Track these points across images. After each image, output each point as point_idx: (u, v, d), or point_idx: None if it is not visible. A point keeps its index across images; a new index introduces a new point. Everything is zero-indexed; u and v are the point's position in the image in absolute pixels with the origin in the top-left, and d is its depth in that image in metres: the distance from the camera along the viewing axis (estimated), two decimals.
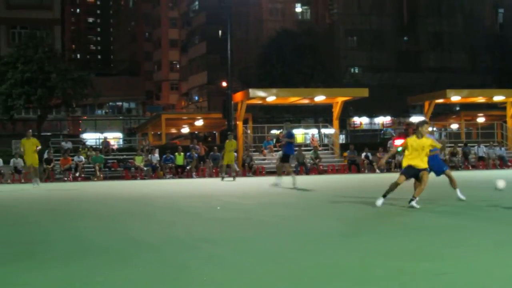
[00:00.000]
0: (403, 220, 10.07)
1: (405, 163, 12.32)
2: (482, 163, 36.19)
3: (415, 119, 51.18)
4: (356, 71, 66.33)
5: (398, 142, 37.51)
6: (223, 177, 27.48)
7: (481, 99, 42.80)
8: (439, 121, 48.23)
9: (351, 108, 53.49)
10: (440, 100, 41.06)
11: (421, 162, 12.18)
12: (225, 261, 6.68)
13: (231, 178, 26.93)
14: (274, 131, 42.09)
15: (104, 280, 5.93)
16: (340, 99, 37.73)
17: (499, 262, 6.28)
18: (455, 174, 15.00)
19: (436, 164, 13.44)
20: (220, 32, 59.52)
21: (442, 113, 52.78)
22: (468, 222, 9.84)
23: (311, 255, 6.88)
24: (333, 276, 5.82)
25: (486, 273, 5.78)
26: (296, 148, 30.75)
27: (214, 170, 32.61)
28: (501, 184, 12.97)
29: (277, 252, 7.13)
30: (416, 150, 12.13)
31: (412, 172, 12.21)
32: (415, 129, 12.37)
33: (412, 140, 12.25)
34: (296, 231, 9.00)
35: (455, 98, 40.79)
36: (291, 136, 20.63)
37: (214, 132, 53.27)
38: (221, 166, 29.30)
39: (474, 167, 35.69)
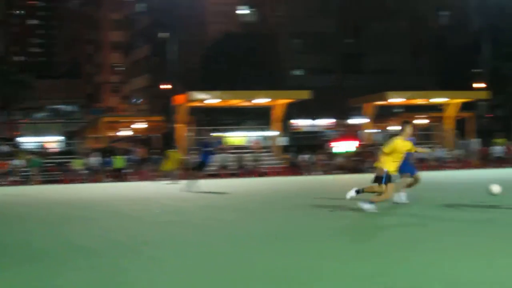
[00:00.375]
0: (340, 223, 10.22)
1: (391, 168, 11.76)
2: (423, 164, 37.15)
3: (355, 121, 52.12)
4: (301, 73, 67.07)
5: (339, 143, 38.40)
6: (168, 181, 27.58)
7: (422, 101, 43.91)
8: (380, 123, 49.22)
9: (294, 110, 54.09)
10: (382, 102, 41.94)
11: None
12: (166, 264, 6.80)
13: (173, 182, 27.05)
14: (216, 134, 42.27)
15: (43, 286, 5.96)
16: (282, 101, 38.21)
17: (443, 263, 6.35)
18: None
19: (408, 167, 13.55)
20: (163, 34, 59.43)
21: (384, 115, 53.89)
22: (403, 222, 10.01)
23: (246, 257, 7.03)
24: (267, 278, 5.88)
25: (420, 274, 5.86)
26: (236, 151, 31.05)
27: (154, 174, 32.58)
28: (495, 189, 12.45)
29: (214, 254, 7.31)
30: (401, 153, 11.87)
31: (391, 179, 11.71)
32: (401, 130, 12.07)
33: (400, 142, 11.91)
34: (232, 233, 9.18)
35: (395, 100, 41.77)
36: (214, 146, 21.37)
37: (155, 135, 53.07)
38: (165, 171, 29.39)
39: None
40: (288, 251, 7.28)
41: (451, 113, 42.13)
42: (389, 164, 11.77)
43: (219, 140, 22.06)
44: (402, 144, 11.91)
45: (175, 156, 27.94)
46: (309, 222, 10.52)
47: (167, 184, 26.36)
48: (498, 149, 39.09)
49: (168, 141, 38.86)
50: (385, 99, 40.56)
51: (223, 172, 34.19)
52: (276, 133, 39.15)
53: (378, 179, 11.68)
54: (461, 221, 9.92)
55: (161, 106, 53.71)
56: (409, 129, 12.20)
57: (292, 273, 6.03)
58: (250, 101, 38.57)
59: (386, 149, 11.93)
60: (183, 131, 36.73)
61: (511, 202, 12.66)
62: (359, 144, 39.84)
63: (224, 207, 14.29)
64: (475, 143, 40.73)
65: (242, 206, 14.47)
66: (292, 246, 7.63)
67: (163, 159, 29.55)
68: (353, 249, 7.30)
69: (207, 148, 20.99)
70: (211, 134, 22.13)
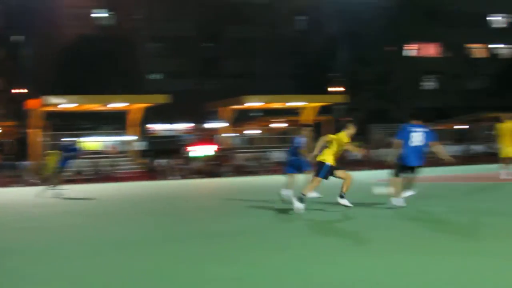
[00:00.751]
0: (206, 226, 10.34)
1: (331, 160, 12.38)
2: (280, 167, 38.37)
3: (213, 125, 52.94)
4: (159, 77, 67.25)
5: (197, 148, 38.94)
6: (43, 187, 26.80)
7: (281, 105, 45.27)
8: (238, 127, 50.29)
9: (151, 114, 54.15)
10: (239, 106, 42.90)
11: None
12: (22, 272, 6.66)
13: (48, 187, 26.43)
14: (72, 139, 41.59)
15: None
16: (140, 105, 38.30)
17: (297, 265, 6.44)
18: (255, 178, 16.42)
19: (299, 164, 14.44)
20: (17, 38, 57.72)
21: (243, 119, 55.03)
22: (271, 224, 10.23)
23: (101, 263, 7.01)
24: (133, 284, 5.92)
25: (279, 276, 5.92)
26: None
27: (8, 180, 31.72)
28: (380, 190, 13.65)
29: (71, 260, 7.26)
30: (341, 148, 12.49)
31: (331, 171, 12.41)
32: (345, 127, 12.63)
33: (344, 136, 12.51)
34: (90, 238, 9.22)
35: (252, 104, 42.88)
36: (74, 151, 21.50)
37: (8, 140, 51.40)
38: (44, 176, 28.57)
39: (272, 171, 37.51)
40: (141, 256, 7.36)
41: (308, 117, 43.68)
42: (329, 157, 12.44)
43: (76, 145, 22.10)
44: (345, 140, 12.50)
45: (51, 161, 27.19)
46: (162, 227, 10.62)
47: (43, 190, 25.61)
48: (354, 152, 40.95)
49: (23, 146, 37.88)
50: (242, 103, 41.50)
51: (78, 178, 33.83)
52: (133, 137, 39.14)
53: (317, 171, 12.40)
54: (315, 221, 10.34)
55: (14, 111, 52.13)
56: (352, 129, 12.73)
57: (146, 278, 6.12)
58: (107, 105, 38.37)
59: (330, 138, 12.63)
60: (37, 136, 35.92)
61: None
62: (217, 148, 40.56)
63: (79, 213, 14.33)
64: None
65: (96, 212, 14.50)
66: (146, 251, 7.73)
67: (42, 164, 28.69)
68: (207, 252, 7.43)
69: (67, 153, 21.09)
70: (67, 139, 22.20)
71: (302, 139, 15.12)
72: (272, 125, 50.07)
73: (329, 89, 58.06)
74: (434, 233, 8.26)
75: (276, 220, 10.74)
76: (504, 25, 75.86)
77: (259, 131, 51.75)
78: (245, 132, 51.37)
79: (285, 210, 12.59)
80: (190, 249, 7.73)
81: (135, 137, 39.34)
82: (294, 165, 15.01)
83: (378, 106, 63.39)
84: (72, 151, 21.60)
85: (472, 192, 16.48)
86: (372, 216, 11.24)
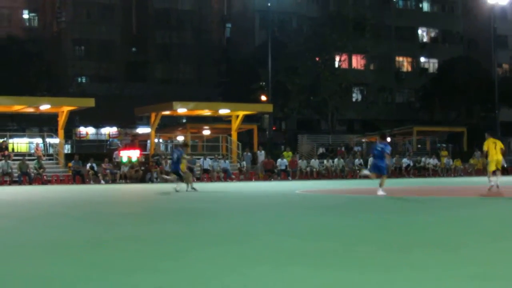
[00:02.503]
0: (130, 231, 10.37)
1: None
2: (207, 175, 40.06)
3: (140, 130, 54.16)
4: (84, 80, 67.92)
5: (124, 153, 40.19)
6: None
7: (207, 112, 46.91)
8: (166, 133, 51.77)
9: (77, 117, 55.00)
10: (167, 112, 44.37)
11: None
12: None
13: None
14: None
15: None
16: (66, 109, 39.23)
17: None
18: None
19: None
20: None
21: (170, 125, 56.47)
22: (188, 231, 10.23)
23: (25, 267, 6.78)
24: None
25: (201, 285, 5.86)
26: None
27: None
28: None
29: None
30: None
31: None
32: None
33: None
34: (13, 242, 9.13)
35: (181, 110, 44.37)
36: None
37: None
38: None
39: (199, 179, 38.94)
40: (59, 261, 7.24)
41: (235, 125, 45.44)
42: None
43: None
44: None
45: None
46: (84, 231, 10.54)
47: None
48: (283, 162, 43.06)
49: None
50: (171, 109, 42.91)
51: (5, 180, 34.86)
52: (60, 140, 40.16)
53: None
54: (212, 234, 9.78)
55: None
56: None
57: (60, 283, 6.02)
58: (34, 107, 39.30)
59: None
60: None
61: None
62: (144, 154, 41.86)
63: (3, 216, 14.44)
64: (260, 155, 44.35)
65: (20, 215, 14.51)
66: (66, 256, 7.63)
67: None
68: (127, 258, 7.35)
69: None
70: None
71: (389, 146, 19.97)
72: (201, 132, 51.66)
73: (258, 98, 59.97)
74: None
75: (198, 227, 10.72)
76: (431, 40, 79.66)
77: (182, 138, 53.16)
78: (174, 138, 52.74)
79: (210, 216, 13.68)
80: (111, 255, 7.63)
81: (62, 140, 40.36)
82: (378, 168, 19.86)
83: (307, 116, 65.85)
84: None
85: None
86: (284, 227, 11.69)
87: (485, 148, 22.28)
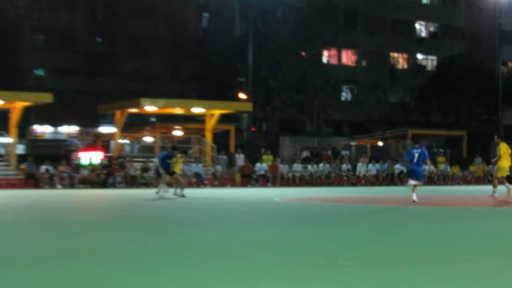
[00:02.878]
0: (89, 242, 10.34)
1: None
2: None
3: (104, 130, 53.74)
4: (42, 73, 67.33)
5: (84, 154, 39.80)
6: None
7: (179, 111, 46.62)
8: (132, 133, 51.37)
9: (33, 114, 54.46)
10: (134, 110, 44.03)
11: None
12: None
13: None
14: None
15: None
16: (20, 104, 38.76)
17: None
18: (149, 191, 17.62)
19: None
20: None
21: (137, 124, 56.08)
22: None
23: None
24: None
25: None
26: None
27: None
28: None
29: None
30: None
31: None
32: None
33: None
34: None
35: (150, 108, 44.05)
36: None
37: None
38: None
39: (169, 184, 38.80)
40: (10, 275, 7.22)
41: (210, 125, 45.20)
42: None
43: None
44: None
45: None
46: (35, 241, 10.58)
47: None
48: (262, 166, 42.87)
49: None
50: (139, 106, 42.59)
51: None
52: (11, 140, 39.65)
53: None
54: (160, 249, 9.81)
55: None
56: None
57: None
58: None
59: None
60: None
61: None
62: (108, 156, 41.52)
63: None
64: (239, 158, 44.07)
65: None
66: (16, 269, 7.64)
67: None
68: (88, 273, 7.46)
69: None
70: None
71: (426, 151, 20.72)
72: (171, 133, 51.37)
73: (236, 95, 59.79)
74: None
75: (158, 240, 10.66)
76: (429, 35, 79.88)
77: (151, 138, 52.89)
78: (141, 139, 52.42)
79: (177, 227, 13.73)
80: (68, 269, 7.53)
81: (14, 140, 39.84)
82: (417, 173, 20.63)
83: (290, 117, 65.74)
84: None
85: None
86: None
87: (501, 151, 22.45)
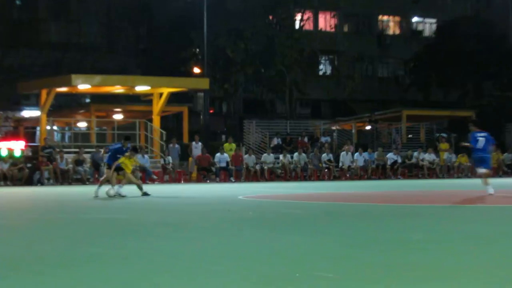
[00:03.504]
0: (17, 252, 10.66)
1: None
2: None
3: (27, 113, 53.40)
4: None
5: (3, 144, 39.54)
6: None
7: (119, 89, 46.49)
8: (62, 118, 51.08)
9: None
10: (63, 89, 43.80)
11: None
12: None
13: None
14: None
15: None
16: None
17: None
18: (85, 189, 17.47)
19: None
20: None
21: (68, 106, 55.77)
22: None
23: None
24: None
25: None
26: None
27: None
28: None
29: None
30: None
31: None
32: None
33: None
34: None
35: (83, 86, 43.86)
36: None
37: None
38: None
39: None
40: None
41: (158, 106, 45.16)
42: None
43: None
44: None
45: None
46: None
47: None
48: (223, 157, 42.85)
49: None
50: (69, 84, 42.38)
51: None
52: None
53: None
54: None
55: None
56: None
57: None
58: None
59: None
60: None
61: None
62: (32, 146, 41.30)
63: None
64: (195, 147, 43.95)
65: None
66: None
67: None
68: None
69: None
70: None
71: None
72: (111, 116, 51.25)
73: (189, 70, 59.70)
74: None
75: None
76: None
77: (91, 124, 52.65)
78: (73, 124, 52.18)
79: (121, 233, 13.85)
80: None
81: None
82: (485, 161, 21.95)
83: (257, 96, 65.76)
84: None
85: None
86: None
87: None
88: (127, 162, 24.79)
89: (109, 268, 8.63)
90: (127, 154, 24.93)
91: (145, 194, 24.48)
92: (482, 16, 71.76)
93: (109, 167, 24.87)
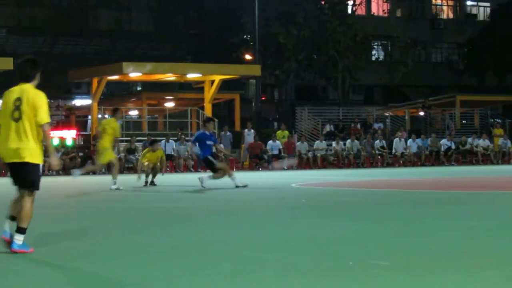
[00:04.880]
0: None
1: None
2: (171, 163, 39.86)
3: (79, 102, 53.90)
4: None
5: (55, 133, 39.93)
6: None
7: (171, 77, 46.67)
8: (113, 106, 51.31)
9: None
10: (115, 77, 44.09)
11: None
12: None
13: None
14: None
15: None
16: None
17: None
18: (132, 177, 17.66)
19: None
20: None
21: (119, 94, 56.19)
22: None
23: None
24: None
25: None
26: None
27: None
28: None
29: None
30: None
31: None
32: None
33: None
34: None
35: (135, 74, 44.14)
36: None
37: None
38: None
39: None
40: None
41: (209, 94, 45.27)
42: None
43: None
44: None
45: None
46: None
47: None
48: (276, 145, 42.87)
49: None
50: (120, 72, 42.64)
51: None
52: None
53: None
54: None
55: None
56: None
57: None
58: None
59: None
60: None
61: None
62: (83, 135, 41.65)
63: None
64: (248, 135, 43.92)
65: None
66: None
67: None
68: None
69: None
70: None
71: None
72: (162, 104, 51.50)
73: (241, 56, 59.68)
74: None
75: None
76: None
77: (136, 112, 52.97)
78: (125, 113, 52.51)
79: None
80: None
81: None
82: None
83: (309, 82, 65.65)
84: None
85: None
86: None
87: None
88: (151, 156, 24.39)
89: (162, 258, 8.82)
90: (150, 148, 24.73)
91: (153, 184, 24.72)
92: None
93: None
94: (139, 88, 60.05)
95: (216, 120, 45.16)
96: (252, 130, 44.43)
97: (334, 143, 45.24)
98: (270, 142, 43.20)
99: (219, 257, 8.69)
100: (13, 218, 9.33)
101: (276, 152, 42.85)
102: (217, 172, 22.67)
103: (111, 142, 22.94)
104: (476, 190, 20.44)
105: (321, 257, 8.57)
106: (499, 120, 53.39)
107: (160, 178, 25.40)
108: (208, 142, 22.89)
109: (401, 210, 14.97)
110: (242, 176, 25.00)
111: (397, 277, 7.30)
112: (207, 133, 23.24)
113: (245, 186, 22.34)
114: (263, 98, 58.19)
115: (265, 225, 12.38)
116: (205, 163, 23.50)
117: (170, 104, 51.71)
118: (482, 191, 20.36)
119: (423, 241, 9.81)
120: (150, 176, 24.73)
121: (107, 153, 22.94)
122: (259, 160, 42.51)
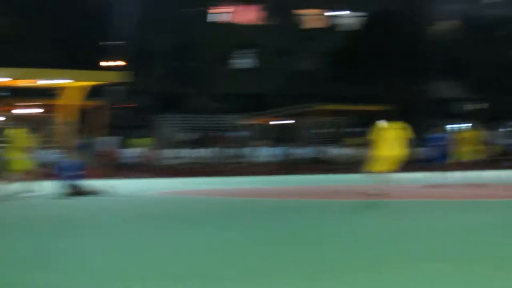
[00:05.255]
0: None
1: None
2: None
3: None
4: None
5: None
6: None
7: (30, 83, 45.88)
8: None
9: None
10: None
11: None
12: None
13: None
14: None
15: None
16: None
17: None
18: None
19: None
20: None
21: None
22: None
23: None
24: None
25: None
26: None
27: None
28: None
29: None
30: None
31: None
32: None
33: None
34: None
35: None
36: None
37: None
38: None
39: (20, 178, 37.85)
40: None
41: (73, 100, 44.67)
42: None
43: None
44: None
45: None
46: None
47: None
48: (132, 153, 42.82)
49: None
50: None
51: None
52: None
53: None
54: None
55: None
56: None
57: None
58: None
59: None
60: None
61: None
62: None
63: None
64: (104, 142, 43.77)
65: None
66: None
67: None
68: None
69: None
70: None
71: None
72: (18, 111, 50.68)
73: (105, 63, 59.41)
74: None
75: None
76: None
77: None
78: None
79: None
80: None
81: None
82: None
83: (173, 89, 65.65)
84: None
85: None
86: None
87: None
88: None
89: None
90: None
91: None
92: (404, 10, 72.06)
93: None
94: (5, 94, 58.95)
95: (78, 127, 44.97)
96: (110, 137, 44.21)
97: (198, 151, 45.40)
98: (129, 149, 43.04)
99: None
100: None
101: (133, 160, 42.67)
102: None
103: None
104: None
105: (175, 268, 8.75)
106: (356, 129, 54.38)
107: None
108: None
109: (261, 218, 15.30)
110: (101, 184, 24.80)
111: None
112: None
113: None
114: (128, 105, 57.96)
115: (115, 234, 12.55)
116: None
117: (32, 111, 50.83)
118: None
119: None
120: None
121: None
122: (116, 168, 42.39)
